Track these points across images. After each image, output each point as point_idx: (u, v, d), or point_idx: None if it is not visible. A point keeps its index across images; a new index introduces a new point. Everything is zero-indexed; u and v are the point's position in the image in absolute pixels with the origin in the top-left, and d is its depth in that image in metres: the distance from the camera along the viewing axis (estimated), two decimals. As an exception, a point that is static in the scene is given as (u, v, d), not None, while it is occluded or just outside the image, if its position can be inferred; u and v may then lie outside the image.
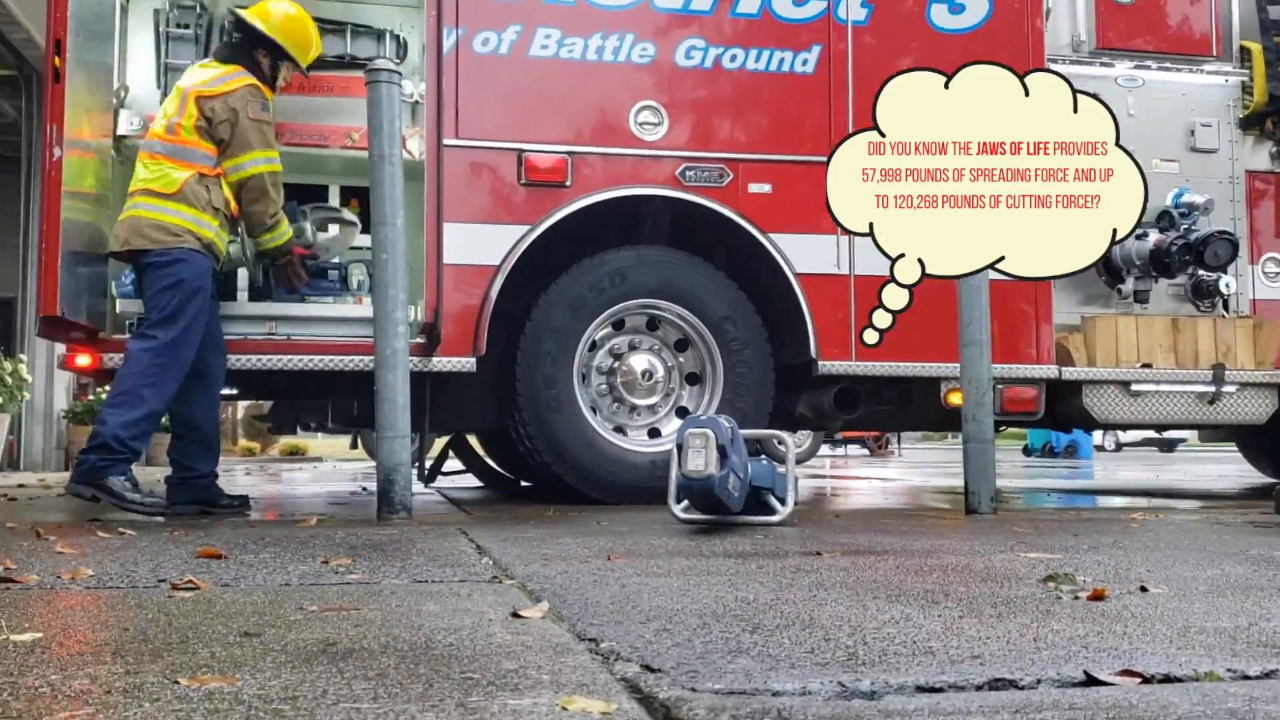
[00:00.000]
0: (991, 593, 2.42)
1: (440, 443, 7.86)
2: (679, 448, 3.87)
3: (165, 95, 5.40)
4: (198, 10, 5.50)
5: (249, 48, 5.04)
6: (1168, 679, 1.61)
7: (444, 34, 5.28)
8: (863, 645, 1.82)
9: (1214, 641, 1.87)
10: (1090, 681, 1.58)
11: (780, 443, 4.55)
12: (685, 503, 4.09)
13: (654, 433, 5.65)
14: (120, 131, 5.22)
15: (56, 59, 4.42)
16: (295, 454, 21.83)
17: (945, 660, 1.71)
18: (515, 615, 2.10)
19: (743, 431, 4.02)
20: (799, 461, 7.48)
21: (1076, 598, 2.35)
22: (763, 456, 4.40)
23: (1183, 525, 4.26)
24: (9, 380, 8.89)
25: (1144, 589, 2.46)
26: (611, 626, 1.98)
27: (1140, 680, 1.59)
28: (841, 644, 1.83)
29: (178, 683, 1.53)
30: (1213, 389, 5.94)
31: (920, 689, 1.54)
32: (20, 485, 8.00)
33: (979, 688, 1.55)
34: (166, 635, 1.89)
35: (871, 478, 10.88)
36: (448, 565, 2.88)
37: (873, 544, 3.45)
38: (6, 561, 2.85)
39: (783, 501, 4.21)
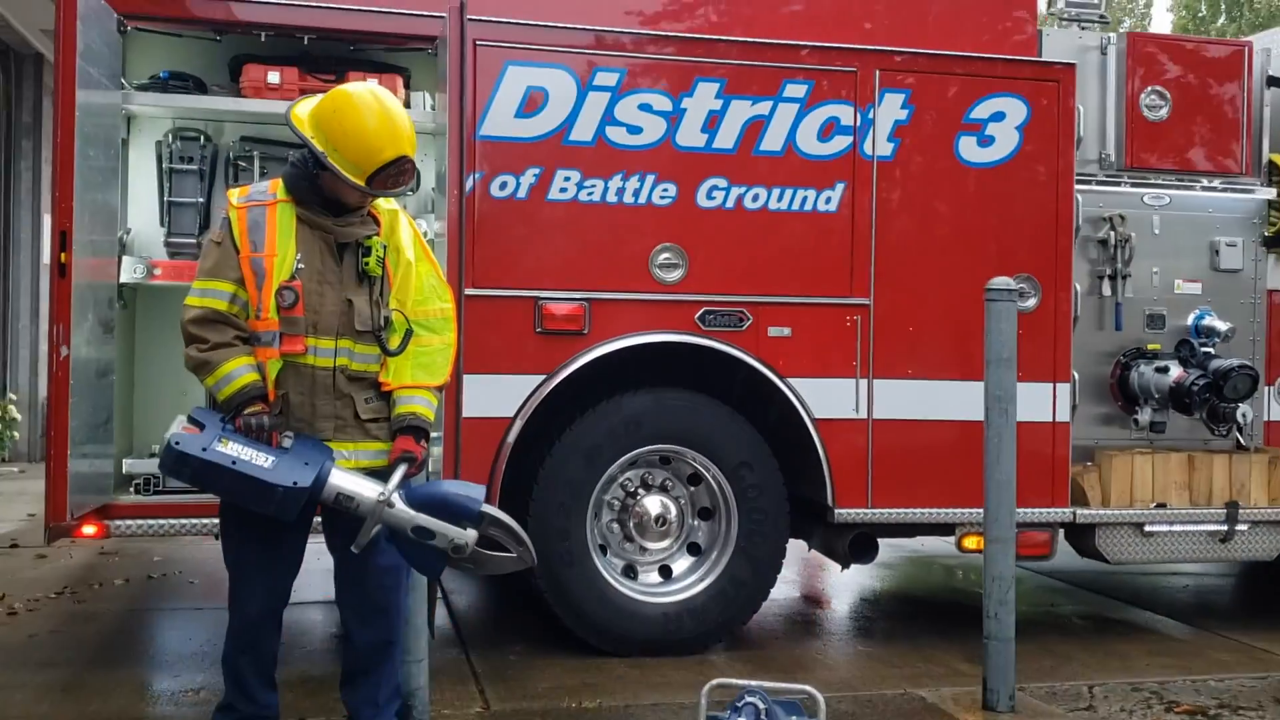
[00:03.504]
0: None
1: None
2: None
3: (170, 235, 5.22)
4: (200, 141, 5.27)
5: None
6: None
7: (464, 179, 5.08)
8: None
9: None
10: None
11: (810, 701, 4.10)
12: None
13: (665, 570, 5.60)
14: (123, 279, 5.02)
15: (63, 254, 4.21)
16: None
17: None
18: None
19: (766, 684, 3.88)
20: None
21: None
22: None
23: None
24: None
25: None
26: None
27: None
28: None
29: None
30: (1225, 528, 5.93)
31: None
32: None
33: None
34: None
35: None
36: None
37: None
38: None
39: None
